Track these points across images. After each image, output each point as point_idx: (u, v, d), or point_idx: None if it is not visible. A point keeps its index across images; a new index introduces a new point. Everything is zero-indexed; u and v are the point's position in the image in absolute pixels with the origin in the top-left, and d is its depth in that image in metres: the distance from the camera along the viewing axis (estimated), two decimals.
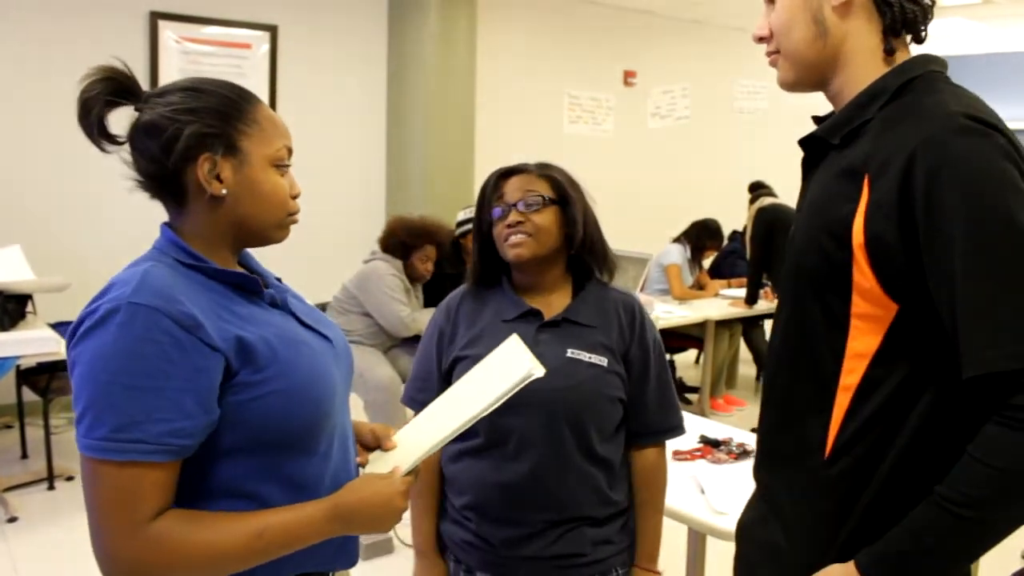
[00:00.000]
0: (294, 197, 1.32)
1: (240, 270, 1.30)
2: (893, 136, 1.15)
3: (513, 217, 1.73)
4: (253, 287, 1.29)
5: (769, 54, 1.33)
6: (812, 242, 1.23)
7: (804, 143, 1.33)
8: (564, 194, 1.78)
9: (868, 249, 1.15)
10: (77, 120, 1.23)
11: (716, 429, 2.77)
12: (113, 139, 1.26)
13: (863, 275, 1.16)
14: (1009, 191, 1.07)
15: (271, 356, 1.22)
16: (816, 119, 1.35)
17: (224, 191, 1.23)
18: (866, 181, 1.15)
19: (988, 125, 1.10)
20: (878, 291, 1.15)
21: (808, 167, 1.34)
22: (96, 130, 1.24)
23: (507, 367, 1.41)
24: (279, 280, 1.43)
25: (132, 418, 1.10)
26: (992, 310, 1.06)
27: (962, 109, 1.12)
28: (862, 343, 1.19)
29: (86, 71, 1.23)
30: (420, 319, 4.24)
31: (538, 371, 1.35)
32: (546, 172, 1.79)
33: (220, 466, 1.21)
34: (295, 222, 1.33)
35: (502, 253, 1.78)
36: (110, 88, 1.23)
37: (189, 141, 1.21)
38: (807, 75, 1.30)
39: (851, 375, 1.20)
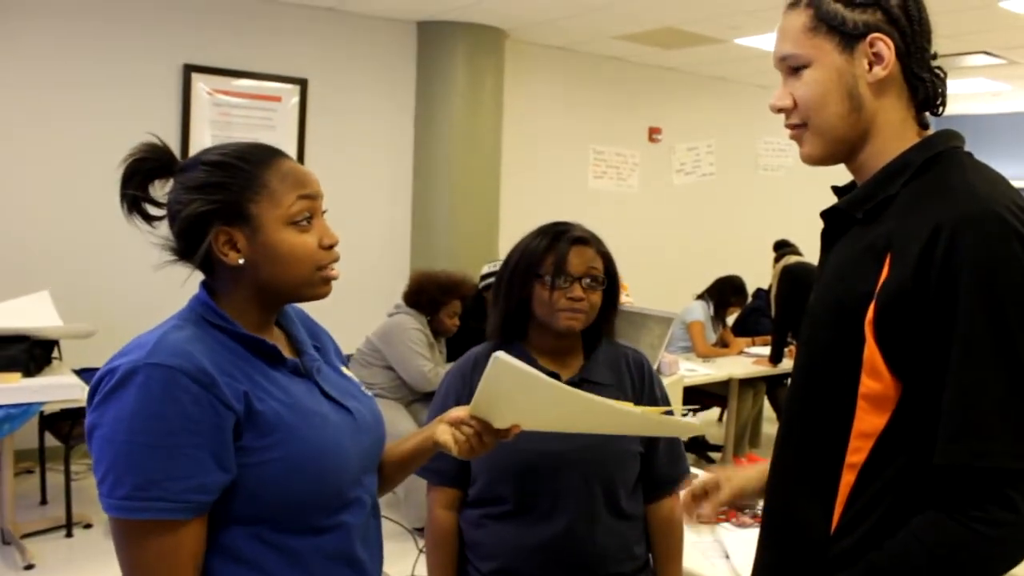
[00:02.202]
0: (328, 247, 1.29)
1: (263, 337, 1.29)
2: (918, 215, 1.14)
3: (578, 293, 1.75)
4: (272, 354, 1.28)
5: (792, 126, 1.29)
6: (828, 316, 1.23)
7: (826, 215, 1.31)
8: (613, 274, 1.83)
9: (877, 325, 1.14)
10: (122, 210, 1.28)
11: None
12: (152, 220, 1.30)
13: (871, 353, 1.15)
14: (1016, 291, 1.07)
15: (277, 424, 1.21)
16: (836, 190, 1.34)
17: (241, 260, 1.24)
18: (888, 259, 1.14)
19: (1011, 213, 1.10)
20: (883, 369, 1.14)
21: (829, 239, 1.32)
22: (140, 215, 1.29)
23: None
24: (317, 348, 1.41)
25: (151, 477, 1.11)
26: (970, 404, 1.07)
27: (990, 192, 1.12)
28: (868, 423, 1.17)
29: (121, 131, 1.26)
30: (443, 374, 4.22)
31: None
32: (602, 250, 1.82)
33: (220, 531, 1.21)
34: (332, 276, 1.30)
35: (547, 318, 1.77)
36: (148, 168, 1.27)
37: (187, 222, 1.24)
38: (836, 149, 1.27)
39: (857, 454, 1.18)
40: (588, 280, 1.76)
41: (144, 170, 1.27)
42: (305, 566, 1.25)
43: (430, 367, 4.26)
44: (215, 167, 1.25)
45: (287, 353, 1.33)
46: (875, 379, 1.15)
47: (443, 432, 1.38)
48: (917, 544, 1.10)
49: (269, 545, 1.23)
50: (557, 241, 1.77)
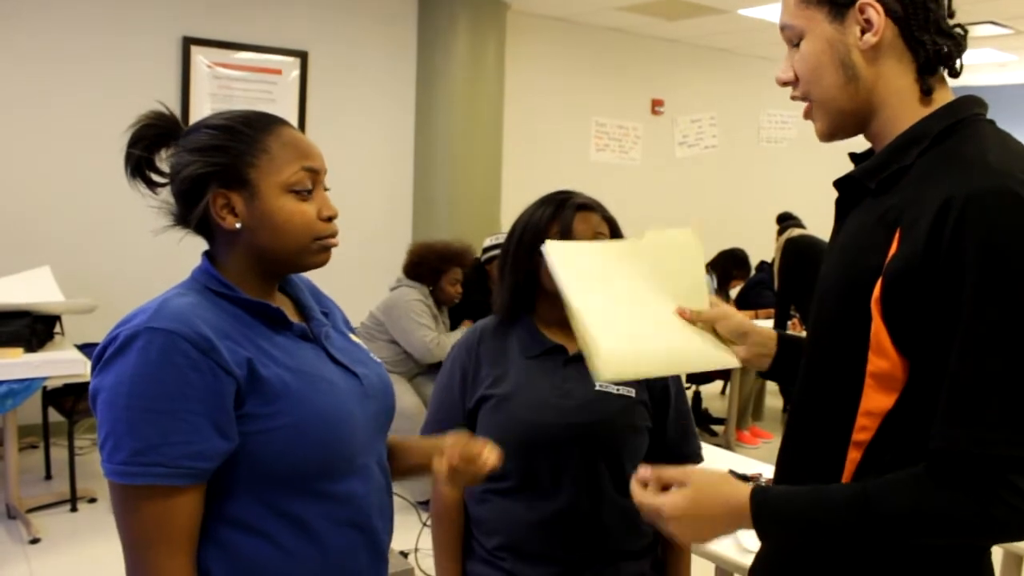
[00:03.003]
0: (328, 219, 1.28)
1: (267, 301, 1.29)
2: (931, 187, 1.08)
3: None
4: (277, 318, 1.28)
5: (797, 99, 1.26)
6: (837, 290, 1.19)
7: (840, 184, 1.26)
8: (619, 239, 1.78)
9: (884, 302, 1.10)
10: (126, 174, 1.30)
11: (744, 464, 2.72)
12: (155, 186, 1.30)
13: (877, 330, 1.11)
14: None
15: (282, 390, 1.21)
16: (853, 157, 1.30)
17: (238, 224, 1.24)
18: (897, 233, 1.10)
19: None
20: (890, 348, 1.10)
21: (843, 208, 1.27)
22: (143, 180, 1.30)
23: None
24: (325, 314, 1.42)
25: (149, 442, 1.12)
26: (972, 388, 1.03)
27: (1006, 166, 1.05)
28: (875, 402, 1.13)
29: (120, 105, 1.27)
30: (446, 343, 4.22)
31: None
32: (607, 215, 1.79)
33: (227, 500, 1.21)
34: (331, 245, 1.30)
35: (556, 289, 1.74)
36: (153, 134, 1.29)
37: (186, 183, 1.24)
38: (844, 122, 1.22)
39: (863, 432, 1.15)
40: None
41: (150, 136, 1.28)
42: (315, 533, 1.26)
43: (432, 337, 4.26)
44: (217, 130, 1.25)
45: (294, 318, 1.33)
46: (882, 357, 1.11)
47: (439, 465, 1.39)
48: (918, 504, 1.06)
49: (278, 513, 1.23)
50: (561, 208, 1.74)
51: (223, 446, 1.16)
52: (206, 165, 1.23)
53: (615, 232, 1.78)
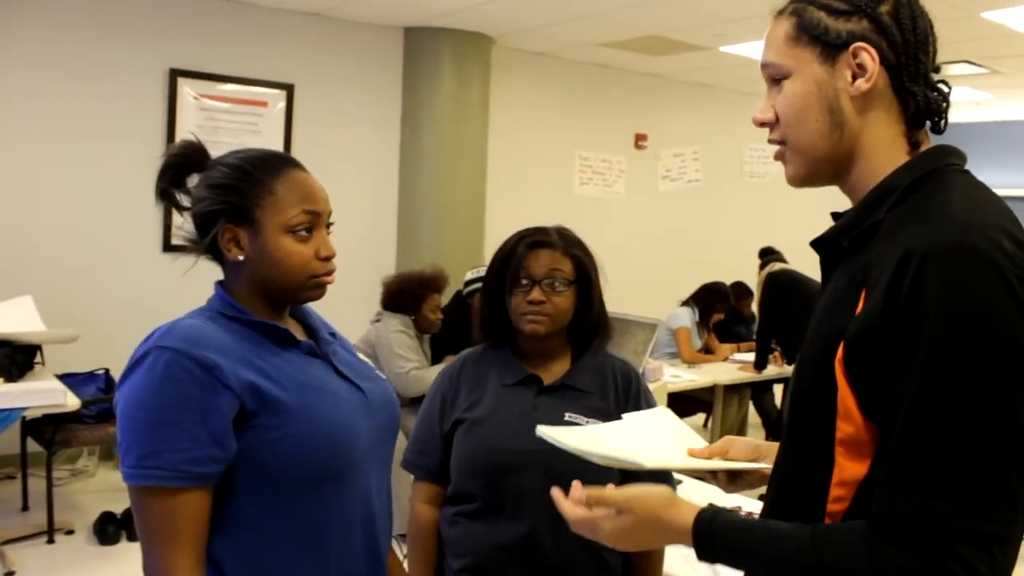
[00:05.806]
0: (324, 258, 1.39)
1: (275, 323, 1.40)
2: (893, 245, 1.03)
3: (536, 295, 1.76)
4: (285, 337, 1.40)
5: (773, 142, 1.21)
6: (811, 355, 1.13)
7: (817, 245, 1.20)
8: (585, 275, 1.82)
9: (847, 363, 1.04)
10: (155, 195, 1.44)
11: (724, 498, 2.72)
12: (181, 208, 1.43)
13: (843, 394, 1.05)
14: (990, 334, 0.95)
15: (290, 403, 1.32)
16: (835, 216, 1.24)
17: (241, 257, 1.37)
18: (863, 293, 1.05)
19: (995, 245, 0.98)
20: (855, 411, 1.05)
21: (827, 270, 1.20)
22: (171, 203, 1.43)
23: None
24: (333, 335, 1.53)
25: (153, 448, 1.24)
26: (922, 456, 0.97)
27: (972, 219, 1.01)
28: (848, 471, 1.07)
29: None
30: (425, 376, 4.18)
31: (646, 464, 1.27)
32: (571, 251, 1.81)
33: (239, 500, 1.31)
34: (326, 282, 1.41)
35: (515, 323, 1.80)
36: (181, 163, 1.42)
37: (200, 216, 1.39)
38: (820, 169, 1.17)
39: (838, 503, 1.09)
40: (550, 282, 1.77)
41: (179, 164, 1.41)
42: (317, 533, 1.36)
43: (409, 368, 4.21)
44: (231, 170, 1.38)
45: (302, 339, 1.44)
46: (848, 423, 1.06)
47: None
48: (864, 562, 1.00)
49: (286, 513, 1.33)
50: (516, 245, 1.81)
51: (220, 454, 1.27)
52: (216, 202, 1.36)
53: (581, 270, 1.81)
